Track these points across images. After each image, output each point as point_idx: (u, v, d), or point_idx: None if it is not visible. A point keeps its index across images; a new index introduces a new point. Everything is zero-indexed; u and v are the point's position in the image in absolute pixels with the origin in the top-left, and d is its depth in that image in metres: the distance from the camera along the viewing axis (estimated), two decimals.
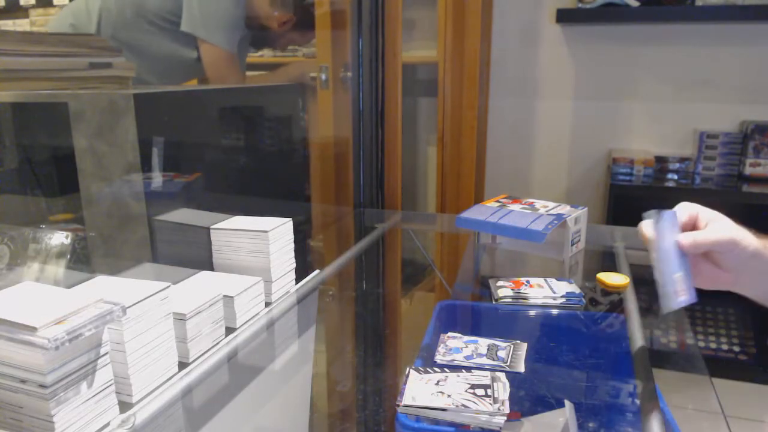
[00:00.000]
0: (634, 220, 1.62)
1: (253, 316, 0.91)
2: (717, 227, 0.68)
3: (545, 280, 1.06)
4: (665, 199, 2.16)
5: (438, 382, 0.70)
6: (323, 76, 1.73)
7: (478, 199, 2.19)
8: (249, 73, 2.28)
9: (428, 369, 0.73)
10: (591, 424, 0.71)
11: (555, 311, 0.98)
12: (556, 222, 1.19)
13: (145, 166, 0.85)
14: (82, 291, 0.69)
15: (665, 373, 0.84)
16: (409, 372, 0.72)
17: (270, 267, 0.95)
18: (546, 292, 1.01)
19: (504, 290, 1.03)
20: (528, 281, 1.06)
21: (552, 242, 1.22)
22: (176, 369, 0.75)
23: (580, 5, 2.02)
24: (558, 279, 1.07)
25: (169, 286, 0.72)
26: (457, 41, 2.01)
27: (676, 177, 2.05)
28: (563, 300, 0.99)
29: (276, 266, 0.96)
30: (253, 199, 1.12)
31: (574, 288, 1.03)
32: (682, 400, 0.76)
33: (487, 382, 0.69)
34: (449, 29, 2.00)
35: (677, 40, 2.07)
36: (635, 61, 2.12)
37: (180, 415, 0.71)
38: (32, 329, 0.54)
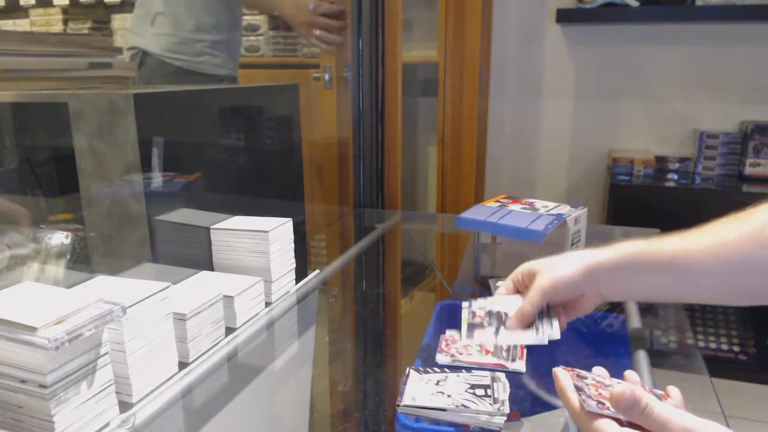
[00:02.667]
0: (634, 220, 1.62)
1: (253, 316, 0.91)
2: (532, 289, 0.71)
3: None
4: (665, 199, 2.16)
5: (438, 382, 0.70)
6: (327, 76, 1.73)
7: (478, 199, 2.19)
8: (247, 72, 2.27)
9: (428, 369, 0.73)
10: None
11: None
12: (556, 222, 1.19)
13: (145, 166, 0.84)
14: (82, 291, 0.69)
15: (665, 373, 0.84)
16: (409, 372, 0.72)
17: (270, 267, 0.95)
18: None
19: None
20: None
21: (552, 242, 1.22)
22: (176, 369, 0.75)
23: (580, 5, 2.02)
24: None
25: (169, 286, 0.72)
26: (457, 41, 2.01)
27: (676, 177, 2.05)
28: None
29: (276, 266, 0.96)
30: (253, 199, 1.12)
31: None
32: None
33: (487, 382, 0.69)
34: (449, 29, 2.00)
35: (677, 40, 2.07)
36: (635, 61, 2.12)
37: (180, 415, 0.71)
38: (32, 329, 0.54)
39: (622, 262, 0.68)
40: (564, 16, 2.05)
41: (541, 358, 0.84)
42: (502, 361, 0.79)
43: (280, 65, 2.40)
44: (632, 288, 0.70)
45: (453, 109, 2.06)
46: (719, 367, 2.01)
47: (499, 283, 1.05)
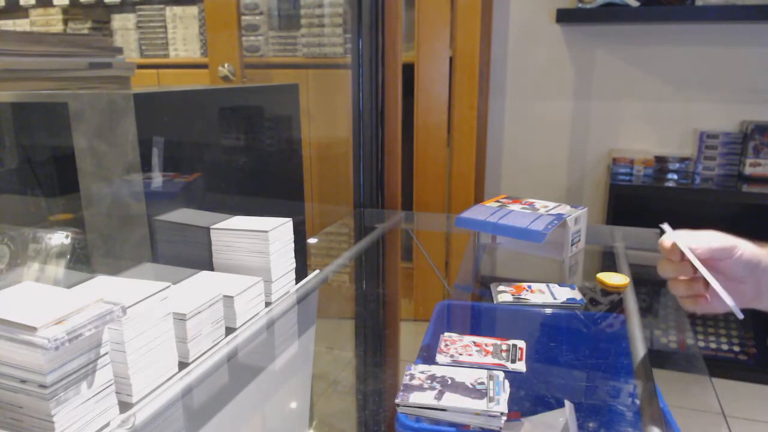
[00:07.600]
0: (634, 220, 1.62)
1: (253, 316, 0.91)
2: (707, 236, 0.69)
3: (547, 286, 1.06)
4: (665, 199, 2.16)
5: (438, 382, 0.70)
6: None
7: (478, 199, 2.19)
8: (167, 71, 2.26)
9: (428, 369, 0.73)
10: (591, 424, 0.71)
11: (555, 311, 0.98)
12: (556, 222, 1.19)
13: (145, 166, 0.84)
14: (82, 291, 0.69)
15: (665, 373, 0.84)
16: (409, 372, 0.72)
17: (270, 267, 0.95)
18: (547, 298, 1.01)
19: (504, 295, 1.02)
20: (530, 286, 1.05)
21: (552, 242, 1.22)
22: (176, 369, 0.75)
23: (580, 5, 2.02)
24: (560, 285, 1.07)
25: (169, 286, 0.72)
26: (457, 41, 2.01)
27: (676, 177, 2.05)
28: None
29: (276, 266, 0.96)
30: (253, 199, 1.12)
31: (575, 294, 1.02)
32: (682, 400, 0.76)
33: (487, 381, 0.69)
34: (421, 31, 1.99)
35: (677, 40, 2.07)
36: (635, 61, 2.12)
37: (180, 415, 0.71)
38: (32, 329, 0.54)
39: None
40: (564, 16, 2.05)
41: (541, 358, 0.84)
42: (502, 361, 0.79)
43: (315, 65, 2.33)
44: None
45: (453, 109, 2.06)
46: (719, 367, 2.01)
47: (504, 287, 1.05)
